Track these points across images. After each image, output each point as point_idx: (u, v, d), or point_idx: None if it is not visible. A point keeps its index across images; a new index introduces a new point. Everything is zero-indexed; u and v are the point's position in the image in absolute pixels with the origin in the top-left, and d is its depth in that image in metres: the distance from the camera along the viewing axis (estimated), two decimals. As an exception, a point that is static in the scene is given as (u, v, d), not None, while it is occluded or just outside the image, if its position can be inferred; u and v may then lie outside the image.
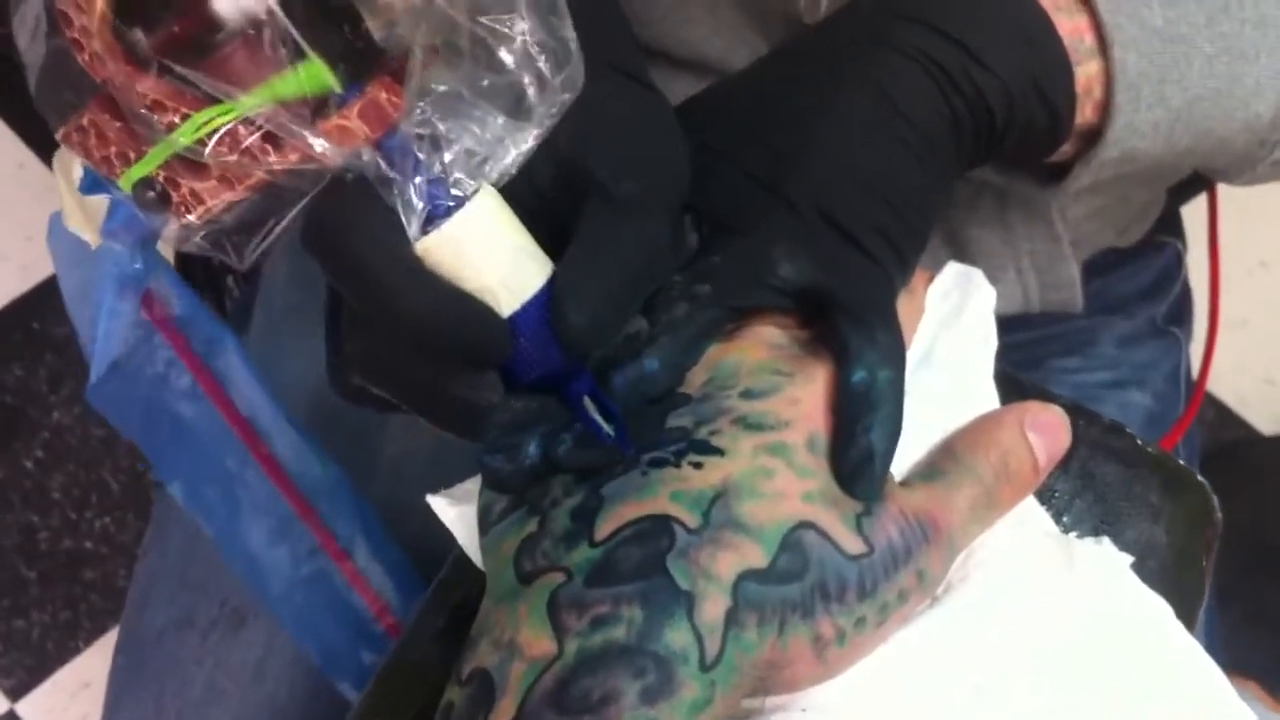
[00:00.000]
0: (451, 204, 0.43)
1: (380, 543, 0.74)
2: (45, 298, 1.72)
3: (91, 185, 0.54)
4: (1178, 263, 0.93)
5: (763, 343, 0.48)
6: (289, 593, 0.71)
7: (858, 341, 0.46)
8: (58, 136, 0.43)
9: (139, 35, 0.40)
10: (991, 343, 0.54)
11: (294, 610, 0.72)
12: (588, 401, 0.45)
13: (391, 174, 0.42)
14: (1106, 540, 0.51)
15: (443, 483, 0.54)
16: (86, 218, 0.56)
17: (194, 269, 1.00)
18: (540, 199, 0.46)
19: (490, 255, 0.43)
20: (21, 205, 1.78)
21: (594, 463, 0.45)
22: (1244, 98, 0.56)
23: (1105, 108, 0.54)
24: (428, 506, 0.53)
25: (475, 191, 0.43)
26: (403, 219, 0.42)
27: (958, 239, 0.73)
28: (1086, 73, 0.54)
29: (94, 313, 0.60)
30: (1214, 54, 0.55)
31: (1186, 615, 0.51)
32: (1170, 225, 0.93)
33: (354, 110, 0.41)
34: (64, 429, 1.65)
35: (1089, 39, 0.54)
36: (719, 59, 0.70)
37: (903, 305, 0.50)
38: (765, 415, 0.46)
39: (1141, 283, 0.90)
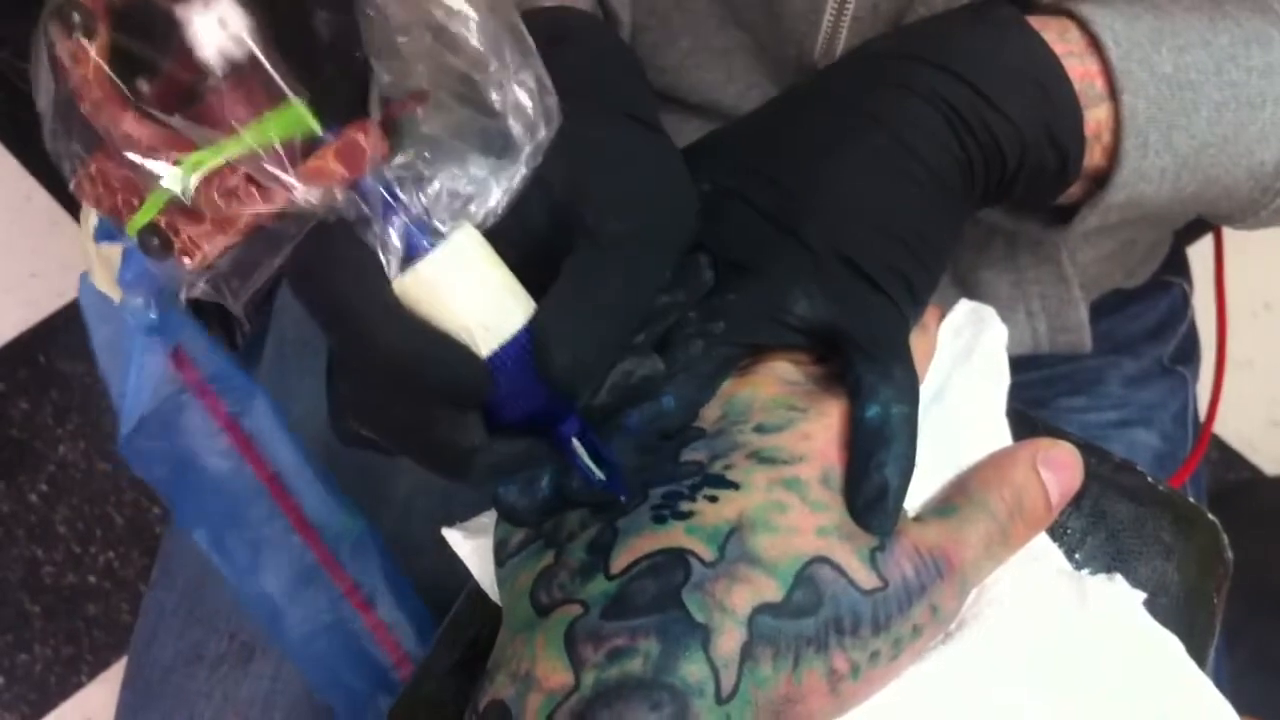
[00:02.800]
0: (430, 244, 0.42)
1: (402, 593, 0.74)
2: (52, 332, 1.72)
3: (105, 234, 0.55)
4: (1184, 303, 0.93)
5: (777, 379, 0.49)
6: (310, 641, 0.72)
7: (871, 378, 0.46)
8: (71, 187, 0.44)
9: (138, 83, 0.40)
10: (1004, 379, 0.54)
11: (314, 658, 0.72)
12: (578, 444, 0.45)
13: (369, 214, 0.42)
14: (1119, 577, 0.51)
15: (454, 519, 0.54)
16: (106, 270, 0.56)
17: (206, 303, 1.01)
18: (534, 240, 0.46)
19: (468, 295, 0.43)
20: (28, 240, 1.78)
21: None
22: (1249, 145, 0.57)
23: (1114, 152, 0.55)
24: (439, 542, 0.53)
25: (455, 231, 0.43)
26: (381, 259, 0.42)
27: (968, 281, 0.74)
28: (1096, 117, 0.54)
29: (123, 367, 0.61)
30: (1221, 101, 0.55)
31: (1198, 652, 0.51)
32: (1176, 265, 0.93)
33: (330, 151, 0.41)
34: (69, 463, 1.64)
35: (1099, 84, 0.54)
36: (732, 105, 0.70)
37: (915, 342, 0.51)
38: (779, 450, 0.46)
39: (1148, 323, 0.90)
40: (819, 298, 0.48)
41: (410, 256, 0.42)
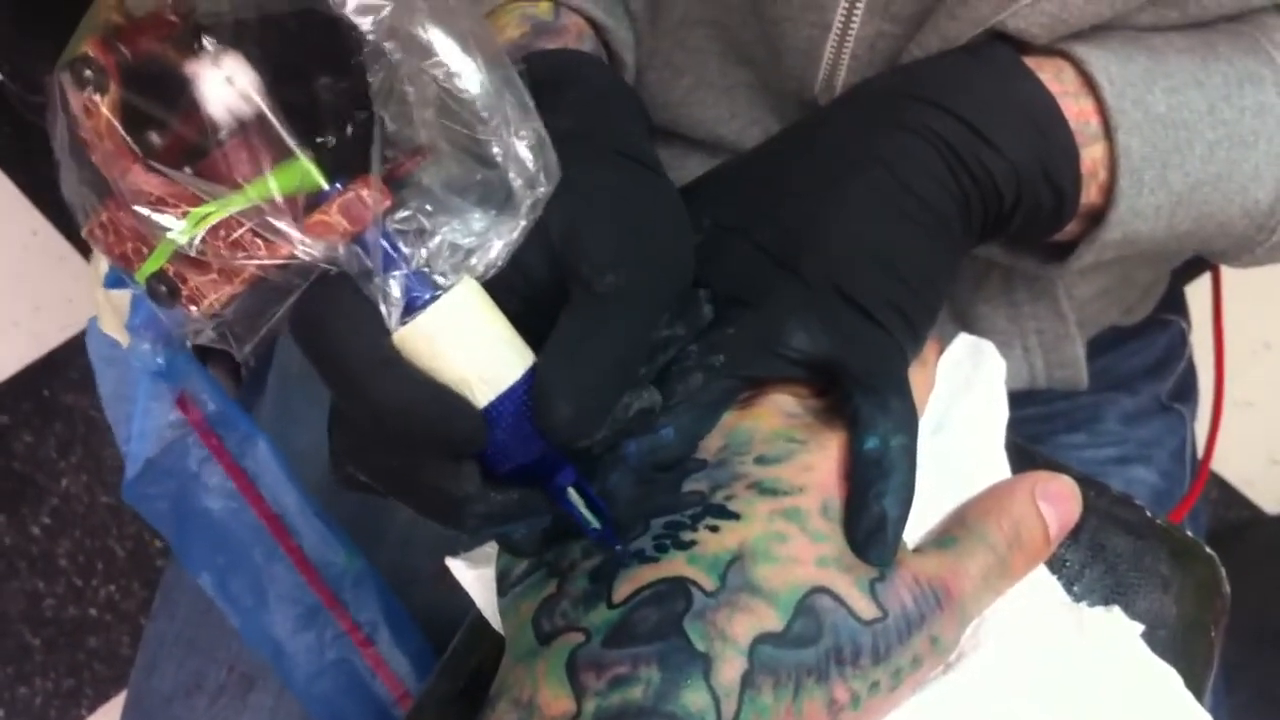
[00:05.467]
0: (430, 296, 0.43)
1: (402, 629, 0.75)
2: (55, 366, 1.72)
3: (114, 280, 0.55)
4: (1182, 340, 0.93)
5: (777, 411, 0.49)
6: (314, 679, 0.72)
7: (870, 410, 0.47)
8: (84, 233, 0.44)
9: (147, 137, 0.41)
10: (1002, 412, 0.55)
11: (321, 698, 0.73)
12: (573, 494, 0.45)
13: (370, 266, 0.42)
14: (1117, 609, 0.52)
15: (454, 550, 0.55)
16: (114, 315, 0.57)
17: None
18: (534, 290, 0.46)
19: (465, 347, 0.43)
20: (33, 274, 1.79)
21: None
22: (1243, 183, 0.57)
23: (1109, 190, 0.56)
24: (439, 573, 0.54)
25: (454, 284, 0.43)
26: (382, 311, 0.43)
27: (965, 316, 0.74)
28: (1092, 155, 0.55)
29: (129, 412, 0.61)
30: (1215, 140, 0.56)
31: (1196, 685, 0.51)
32: (1174, 303, 0.93)
33: (334, 205, 0.41)
34: (71, 496, 1.65)
35: (1094, 123, 0.55)
36: (735, 140, 0.71)
37: (914, 375, 0.51)
38: (780, 481, 0.46)
39: (1146, 360, 0.91)
40: (817, 331, 0.48)
41: (410, 308, 0.43)
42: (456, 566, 0.53)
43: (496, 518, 0.45)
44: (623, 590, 0.44)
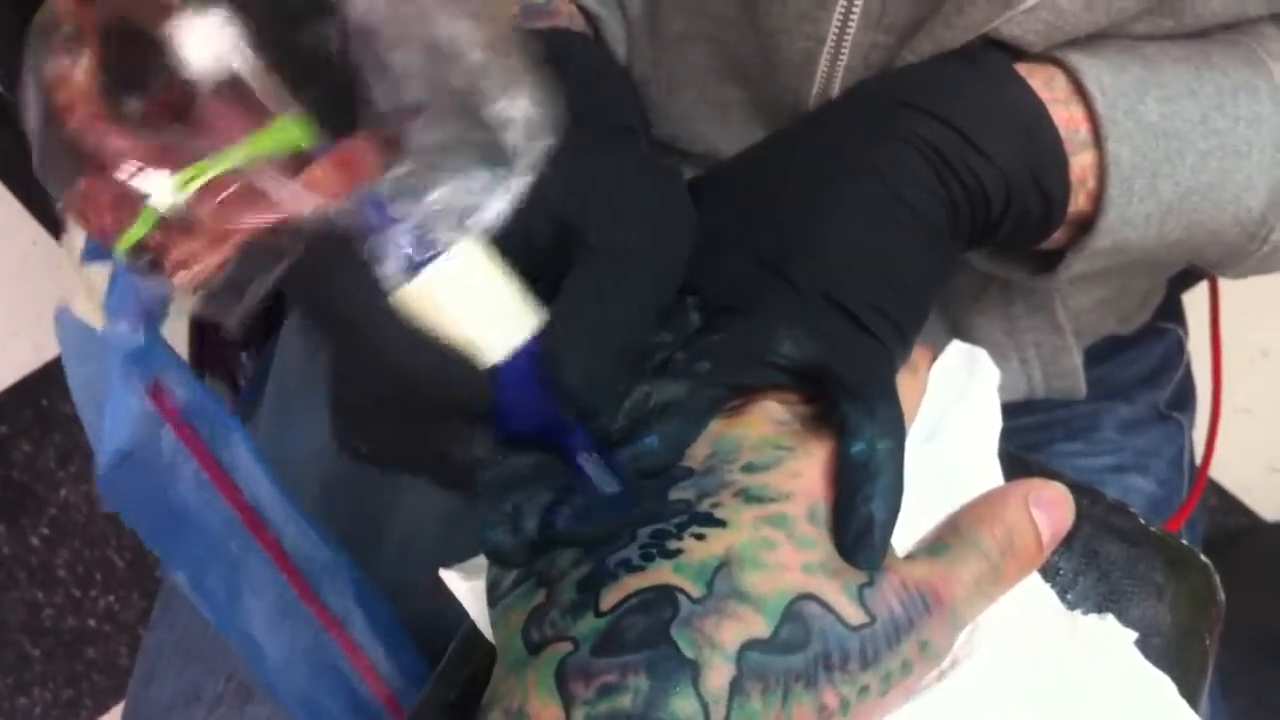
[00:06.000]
0: (430, 256, 0.42)
1: (377, 617, 0.74)
2: (55, 375, 1.73)
3: (93, 254, 0.54)
4: (1179, 349, 0.93)
5: (765, 418, 0.49)
6: (289, 671, 0.71)
7: (857, 416, 0.47)
8: (58, 208, 0.44)
9: (127, 99, 0.40)
10: (995, 420, 0.54)
11: (294, 688, 0.72)
12: (588, 458, 0.45)
13: (368, 226, 0.42)
14: (1110, 617, 0.52)
15: (450, 559, 0.55)
16: (90, 295, 0.56)
17: (207, 346, 1.01)
18: (537, 256, 0.46)
19: (469, 306, 0.43)
20: (33, 283, 1.79)
21: (592, 536, 0.46)
22: (1235, 192, 0.57)
23: (1098, 198, 0.56)
24: (434, 582, 0.54)
25: (453, 243, 0.43)
26: (378, 270, 0.42)
27: (961, 329, 0.74)
28: (1081, 163, 0.55)
29: (101, 404, 0.60)
30: (1207, 150, 0.56)
31: (1190, 693, 0.51)
32: (1171, 311, 0.93)
33: (326, 164, 0.41)
34: (71, 506, 1.65)
35: (1084, 130, 0.55)
36: (731, 155, 0.71)
37: (905, 382, 0.51)
38: (766, 488, 0.46)
39: (1143, 368, 0.91)
40: (804, 338, 0.48)
41: (410, 268, 0.42)
42: (450, 578, 0.53)
43: (512, 482, 0.45)
44: (610, 599, 0.44)
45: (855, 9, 0.58)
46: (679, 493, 0.47)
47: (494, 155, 0.43)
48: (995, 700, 0.47)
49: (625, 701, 0.41)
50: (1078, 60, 0.56)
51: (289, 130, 0.40)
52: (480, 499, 0.46)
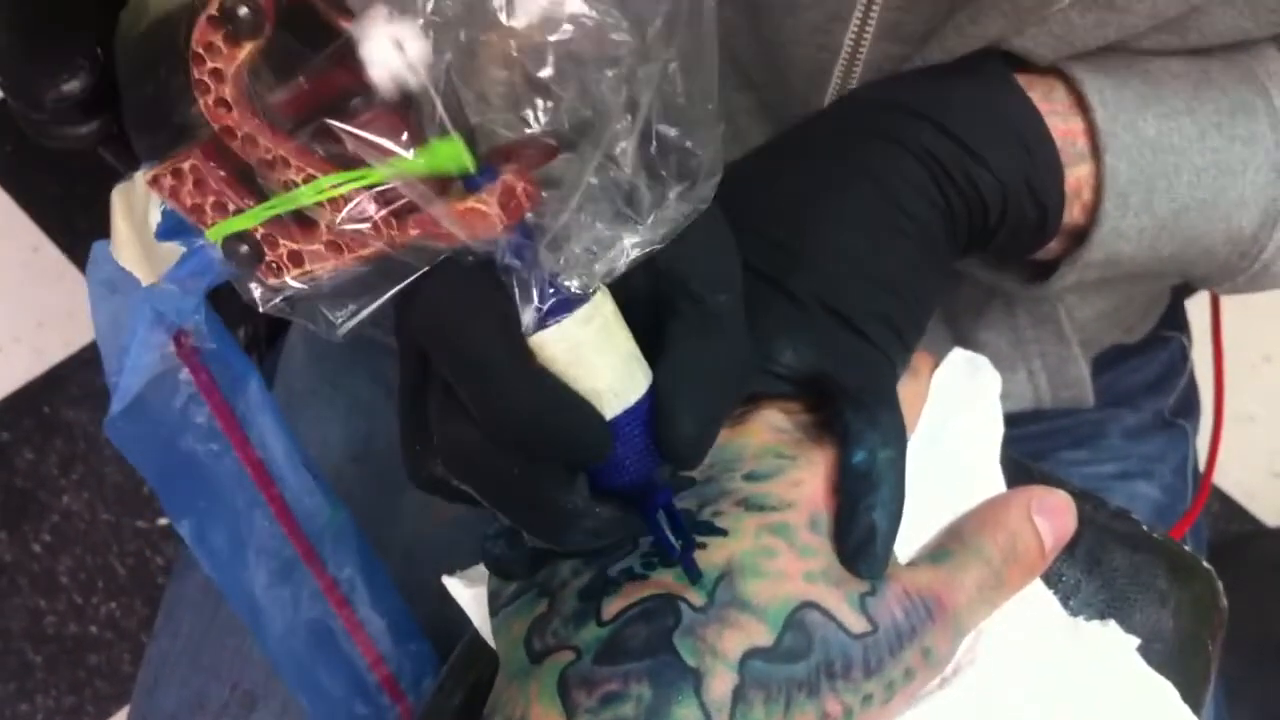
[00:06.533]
0: (569, 300, 0.41)
1: (380, 591, 0.73)
2: (57, 382, 1.73)
3: (169, 230, 0.53)
4: (1183, 356, 0.93)
5: (767, 427, 0.49)
6: (288, 639, 0.71)
7: (858, 424, 0.47)
8: (145, 177, 0.42)
9: (269, 90, 0.39)
10: (998, 427, 0.55)
11: (292, 657, 0.71)
12: (661, 515, 0.44)
13: (517, 264, 0.40)
14: (1113, 623, 0.52)
15: (455, 566, 0.55)
16: (148, 259, 0.54)
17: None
18: (635, 305, 0.44)
19: (603, 357, 0.42)
20: (35, 290, 1.79)
21: (589, 545, 0.45)
22: (1228, 210, 0.57)
23: (1093, 211, 0.56)
24: (440, 589, 0.54)
25: (594, 290, 0.42)
26: (520, 311, 0.41)
27: (967, 342, 0.74)
28: (1076, 175, 0.55)
29: (125, 343, 0.59)
30: (1203, 167, 0.56)
31: (1193, 699, 0.51)
32: (1175, 319, 0.93)
33: (493, 195, 0.39)
34: (73, 513, 1.65)
35: (1081, 142, 0.55)
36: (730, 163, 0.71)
37: (907, 389, 0.51)
38: (768, 496, 0.46)
39: (1148, 376, 0.91)
40: (804, 347, 0.48)
41: (549, 312, 0.41)
42: (454, 585, 0.53)
43: (598, 534, 0.44)
44: (612, 608, 0.44)
45: (871, 21, 0.57)
46: (681, 502, 0.47)
47: (618, 195, 0.41)
48: (998, 707, 0.47)
49: (628, 710, 0.41)
50: (1079, 72, 0.56)
51: (452, 154, 0.38)
52: (569, 547, 0.45)
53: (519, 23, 0.37)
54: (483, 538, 0.48)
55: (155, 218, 0.51)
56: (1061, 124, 0.55)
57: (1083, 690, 0.49)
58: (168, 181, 0.42)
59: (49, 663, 1.56)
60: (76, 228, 1.80)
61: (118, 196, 0.55)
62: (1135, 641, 0.51)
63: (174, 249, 0.52)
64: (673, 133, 0.40)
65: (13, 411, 1.71)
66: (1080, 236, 0.57)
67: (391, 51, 0.37)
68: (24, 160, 1.82)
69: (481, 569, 0.54)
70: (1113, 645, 0.51)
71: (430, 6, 0.37)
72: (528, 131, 0.39)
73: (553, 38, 0.38)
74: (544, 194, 0.40)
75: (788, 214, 0.51)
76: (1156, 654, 0.53)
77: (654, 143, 0.40)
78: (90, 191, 0.85)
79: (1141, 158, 0.55)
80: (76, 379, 1.72)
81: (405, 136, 0.38)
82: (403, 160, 0.38)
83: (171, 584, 0.87)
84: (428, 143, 0.38)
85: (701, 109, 0.41)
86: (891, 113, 0.53)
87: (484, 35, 0.38)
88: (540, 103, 0.39)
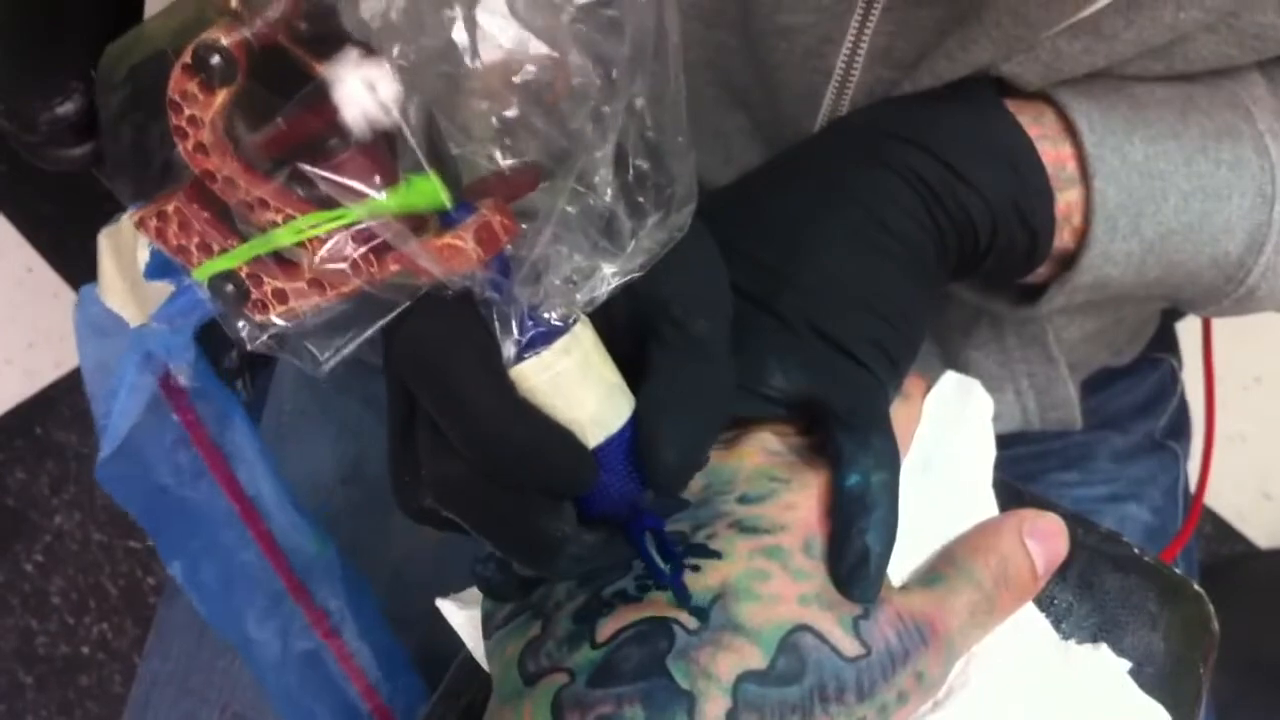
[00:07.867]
0: (549, 331, 0.42)
1: (369, 622, 0.73)
2: (48, 403, 1.72)
3: (158, 269, 0.53)
4: (1173, 378, 0.93)
5: (760, 450, 0.49)
6: (281, 672, 0.71)
7: (851, 447, 0.47)
8: (131, 220, 0.43)
9: (247, 133, 0.39)
10: (990, 450, 0.55)
11: (287, 690, 0.71)
12: (649, 539, 0.45)
13: (496, 297, 0.41)
14: (1104, 646, 0.52)
15: (445, 588, 0.55)
16: (136, 299, 0.55)
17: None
18: (614, 333, 0.45)
19: (585, 387, 0.42)
20: (28, 311, 1.79)
21: (577, 571, 0.45)
22: (1214, 234, 0.57)
23: (1082, 235, 0.56)
24: (430, 611, 0.54)
25: (574, 321, 0.42)
26: (500, 344, 0.41)
27: (956, 362, 0.74)
28: (1067, 200, 0.56)
29: (114, 387, 0.59)
30: (1189, 191, 0.56)
31: (1184, 722, 0.51)
32: (1165, 341, 0.94)
33: (469, 231, 0.39)
34: (65, 534, 1.64)
35: (1071, 167, 0.56)
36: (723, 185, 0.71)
37: (899, 412, 0.51)
38: (761, 519, 0.46)
39: (1138, 398, 0.91)
40: (795, 370, 0.48)
41: (529, 343, 0.42)
42: (446, 608, 0.53)
43: (586, 560, 0.44)
44: (606, 630, 0.44)
45: (863, 45, 0.58)
46: (674, 524, 0.47)
47: (608, 230, 0.42)
48: (991, 730, 0.47)
49: (622, 733, 0.41)
50: (1067, 98, 0.56)
51: (428, 191, 0.39)
52: (556, 575, 0.45)
53: (483, 65, 0.38)
54: (473, 561, 0.48)
55: (144, 256, 0.52)
56: (1051, 149, 0.55)
57: (1074, 713, 0.49)
58: (153, 223, 0.42)
59: (40, 683, 1.56)
60: (70, 249, 1.80)
61: (105, 239, 0.55)
62: (1127, 665, 0.51)
63: (163, 288, 0.53)
64: (645, 165, 0.41)
65: (4, 432, 1.71)
66: (1068, 261, 0.57)
67: (364, 93, 0.37)
68: (18, 181, 1.82)
69: (475, 591, 0.54)
70: (1104, 668, 0.51)
71: (397, 51, 0.37)
72: (507, 163, 0.40)
73: (516, 79, 0.38)
74: (523, 226, 0.41)
75: (778, 237, 0.51)
76: (1148, 677, 0.53)
77: (630, 171, 0.41)
78: (84, 213, 0.85)
79: (1130, 182, 0.55)
80: (68, 400, 1.72)
81: (378, 178, 0.39)
82: (376, 200, 0.38)
83: (162, 606, 0.87)
84: (405, 180, 0.39)
85: (672, 140, 0.42)
86: (882, 137, 0.53)
87: (460, 70, 0.38)
88: (520, 133, 0.39)
